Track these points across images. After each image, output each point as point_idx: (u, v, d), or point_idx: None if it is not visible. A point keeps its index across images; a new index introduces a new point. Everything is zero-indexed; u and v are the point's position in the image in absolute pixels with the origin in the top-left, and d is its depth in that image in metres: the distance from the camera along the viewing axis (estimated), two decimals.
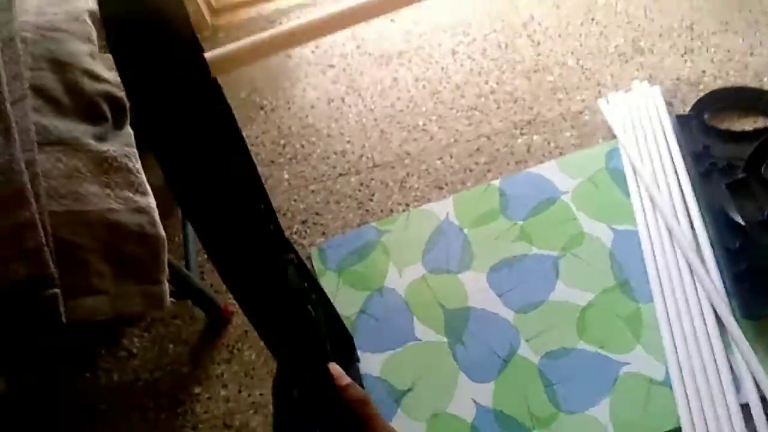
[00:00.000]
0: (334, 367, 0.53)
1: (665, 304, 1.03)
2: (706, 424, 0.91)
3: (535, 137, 1.29)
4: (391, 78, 1.44)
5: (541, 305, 1.07)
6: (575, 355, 1.01)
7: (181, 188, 0.32)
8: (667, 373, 0.97)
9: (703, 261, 1.05)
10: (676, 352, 0.98)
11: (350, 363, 1.05)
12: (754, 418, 0.90)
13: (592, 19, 1.47)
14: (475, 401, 0.99)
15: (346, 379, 0.53)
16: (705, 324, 0.99)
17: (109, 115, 0.84)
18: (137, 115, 0.27)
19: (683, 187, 1.15)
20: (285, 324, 0.45)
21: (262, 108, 1.44)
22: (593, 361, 1.00)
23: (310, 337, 0.56)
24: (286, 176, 1.33)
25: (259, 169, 1.27)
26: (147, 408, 1.08)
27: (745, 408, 0.91)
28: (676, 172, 1.17)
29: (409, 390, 1.02)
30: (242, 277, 0.39)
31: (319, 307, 0.86)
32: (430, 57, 1.46)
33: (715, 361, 0.96)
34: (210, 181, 0.33)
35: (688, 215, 1.11)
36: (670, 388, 0.96)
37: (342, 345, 1.03)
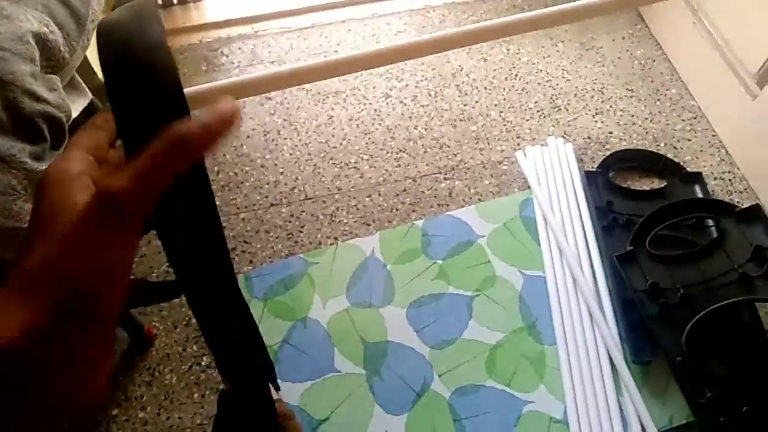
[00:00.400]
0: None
1: (567, 346, 1.12)
2: None
3: (457, 182, 1.37)
4: (327, 115, 1.50)
5: (454, 342, 1.14)
6: (483, 392, 1.08)
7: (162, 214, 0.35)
8: (565, 411, 1.06)
9: (602, 308, 1.15)
10: (574, 393, 1.07)
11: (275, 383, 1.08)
12: None
13: (516, 75, 1.58)
14: None
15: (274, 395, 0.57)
16: (600, 367, 1.08)
17: (47, 135, 0.85)
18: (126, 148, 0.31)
19: (588, 238, 1.25)
20: (238, 337, 0.48)
21: None
22: (500, 398, 1.08)
23: (259, 349, 0.60)
24: (218, 203, 1.35)
25: None
26: (62, 429, 1.06)
27: None
28: (582, 224, 1.28)
29: (326, 419, 1.06)
30: (208, 291, 0.42)
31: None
32: (365, 98, 1.53)
33: (607, 402, 1.05)
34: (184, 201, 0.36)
35: (591, 265, 1.21)
36: (568, 426, 1.04)
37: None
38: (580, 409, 1.05)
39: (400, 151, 1.44)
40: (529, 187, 1.35)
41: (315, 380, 1.10)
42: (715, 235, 1.21)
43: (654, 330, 1.08)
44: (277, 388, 1.09)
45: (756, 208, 1.21)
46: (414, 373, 1.10)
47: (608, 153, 1.41)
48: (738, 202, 1.33)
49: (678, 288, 1.12)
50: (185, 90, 0.39)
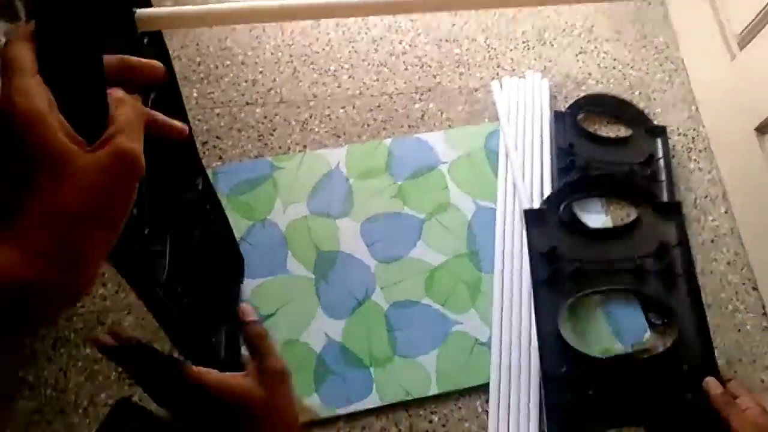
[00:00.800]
0: (244, 307, 0.64)
1: (502, 278, 1.20)
2: (509, 384, 1.10)
3: (431, 105, 1.40)
4: None
5: (400, 259, 1.22)
6: (419, 308, 1.18)
7: None
8: (490, 336, 1.16)
9: None
10: (501, 321, 1.16)
11: (236, 283, 1.17)
12: None
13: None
14: (326, 334, 1.14)
15: (251, 317, 0.64)
16: (529, 301, 1.17)
17: None
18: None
19: (544, 178, 1.30)
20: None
21: None
22: (432, 315, 1.17)
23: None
24: (195, 95, 1.37)
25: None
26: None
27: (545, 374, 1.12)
28: (542, 163, 1.32)
29: (272, 315, 1.15)
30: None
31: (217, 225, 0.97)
32: None
33: (530, 333, 1.15)
34: None
35: None
36: (489, 348, 1.14)
37: (234, 264, 1.15)
38: (504, 336, 1.15)
39: (381, 64, 1.44)
40: (498, 119, 1.38)
41: (266, 278, 1.18)
42: (632, 218, 1.27)
43: (537, 294, 1.16)
44: (241, 282, 1.18)
45: (676, 205, 1.26)
46: (358, 284, 1.19)
47: (583, 94, 1.43)
48: (695, 160, 1.38)
49: (575, 260, 1.19)
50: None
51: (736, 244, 1.28)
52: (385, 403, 1.09)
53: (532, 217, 1.23)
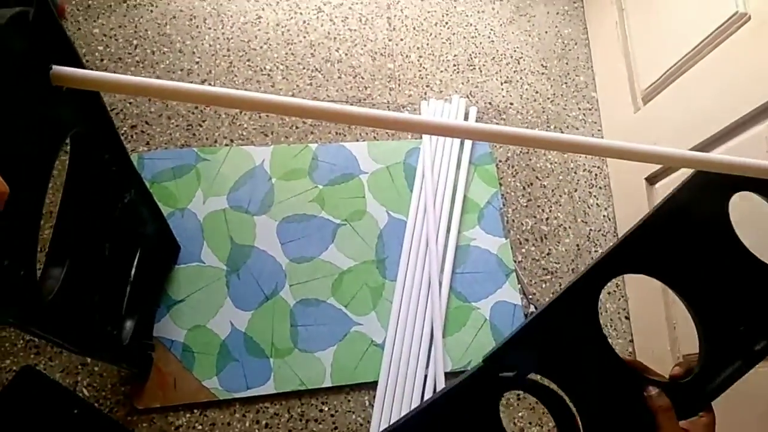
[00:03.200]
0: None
1: (404, 286, 1.33)
2: (395, 384, 1.24)
3: None
4: (256, 14, 1.57)
5: (311, 260, 1.33)
6: (323, 307, 1.29)
7: None
8: (385, 338, 1.29)
9: (442, 268, 1.37)
10: (397, 325, 1.30)
11: (169, 268, 1.26)
12: (428, 388, 1.25)
13: (446, 23, 1.69)
14: (231, 323, 1.24)
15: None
16: (424, 311, 1.31)
17: None
18: None
19: (456, 202, 1.44)
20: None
21: (125, 1, 1.51)
22: (335, 315, 1.29)
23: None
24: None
25: (105, 63, 1.38)
26: None
27: (426, 379, 1.26)
28: (455, 187, 1.46)
29: (181, 301, 1.25)
30: None
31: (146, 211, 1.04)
32: (297, 7, 1.61)
33: (420, 340, 1.29)
34: None
35: (448, 229, 1.41)
36: (383, 350, 1.27)
37: (170, 251, 1.23)
38: (397, 340, 1.28)
39: (316, 70, 1.55)
40: (420, 137, 1.51)
41: (179, 265, 1.27)
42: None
43: None
44: (173, 267, 1.27)
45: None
46: (268, 279, 1.30)
47: (503, 122, 1.58)
48: (595, 196, 1.55)
49: None
50: None
51: (618, 278, 1.45)
52: (280, 391, 1.21)
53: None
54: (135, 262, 1.13)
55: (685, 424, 0.62)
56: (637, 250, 0.63)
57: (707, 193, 0.63)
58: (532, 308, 1.37)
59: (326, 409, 1.22)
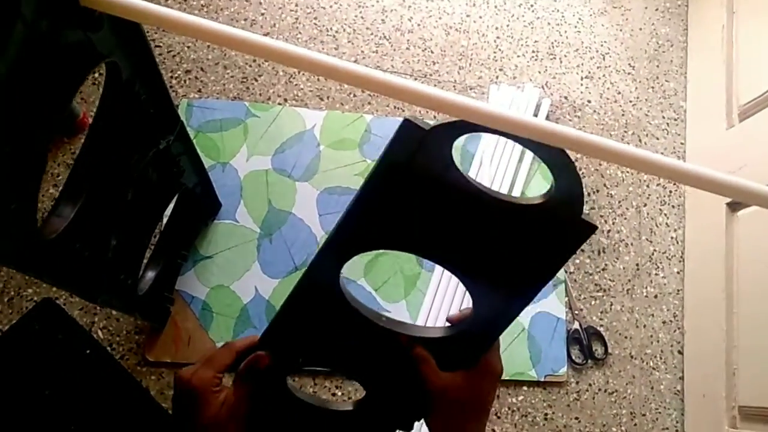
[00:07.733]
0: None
1: (440, 279, 1.32)
2: None
3: None
4: None
5: None
6: (352, 287, 1.29)
7: None
8: None
9: None
10: (426, 320, 1.28)
11: (204, 223, 1.28)
12: None
13: (531, 6, 1.64)
14: (256, 289, 1.25)
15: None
16: (457, 310, 1.29)
17: None
18: None
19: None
20: None
21: None
22: (364, 298, 1.28)
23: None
24: None
25: (169, 3, 1.39)
26: None
27: None
28: (513, 182, 1.42)
29: (209, 257, 1.26)
30: None
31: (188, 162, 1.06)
32: None
33: None
34: None
35: None
36: None
37: (206, 204, 1.26)
38: None
39: (384, 37, 1.53)
40: None
41: (213, 221, 1.29)
42: None
43: None
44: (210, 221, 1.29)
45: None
46: (301, 249, 1.30)
47: (577, 119, 1.53)
48: (665, 214, 1.48)
49: None
50: None
51: (677, 307, 1.40)
52: None
53: None
54: (167, 213, 1.14)
55: (460, 373, 0.64)
56: (362, 223, 0.59)
57: (429, 143, 0.54)
58: (576, 325, 1.33)
59: (339, 393, 1.22)
